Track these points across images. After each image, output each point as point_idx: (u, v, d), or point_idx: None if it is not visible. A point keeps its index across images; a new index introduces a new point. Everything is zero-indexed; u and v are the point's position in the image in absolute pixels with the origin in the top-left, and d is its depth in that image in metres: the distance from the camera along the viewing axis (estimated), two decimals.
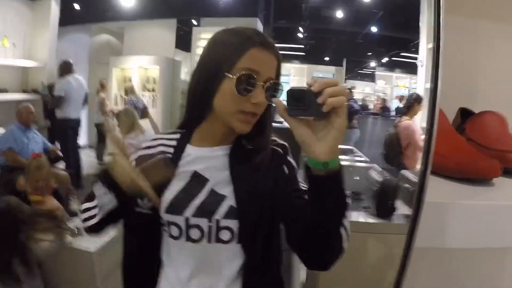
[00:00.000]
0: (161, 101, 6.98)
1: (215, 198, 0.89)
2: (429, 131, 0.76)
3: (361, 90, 18.18)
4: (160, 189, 0.90)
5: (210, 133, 0.93)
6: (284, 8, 9.98)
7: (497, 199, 0.78)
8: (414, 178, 1.95)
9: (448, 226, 0.74)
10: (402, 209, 1.92)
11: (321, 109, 0.65)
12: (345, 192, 0.75)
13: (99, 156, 6.43)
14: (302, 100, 0.66)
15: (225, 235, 0.88)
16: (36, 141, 3.86)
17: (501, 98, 1.23)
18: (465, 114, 1.16)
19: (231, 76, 0.82)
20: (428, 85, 3.91)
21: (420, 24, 4.44)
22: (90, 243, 2.37)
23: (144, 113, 5.43)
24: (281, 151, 0.96)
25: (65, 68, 5.03)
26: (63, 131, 4.98)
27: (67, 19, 6.31)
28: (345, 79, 17.27)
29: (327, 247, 0.81)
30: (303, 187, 0.90)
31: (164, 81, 7.01)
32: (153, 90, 7.07)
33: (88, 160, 6.42)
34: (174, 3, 7.34)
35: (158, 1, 7.25)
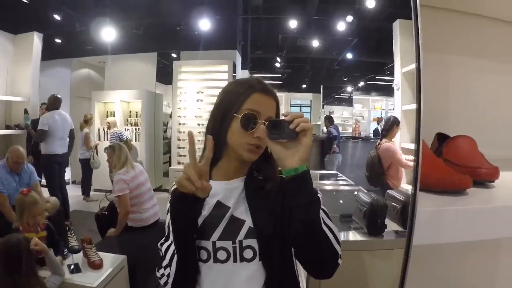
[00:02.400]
0: (144, 135, 7.03)
1: (236, 222, 1.03)
2: (417, 151, 0.94)
3: (340, 115, 18.59)
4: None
5: (226, 168, 1.09)
6: (260, 39, 10.31)
7: (470, 204, 1.01)
8: (400, 196, 2.10)
9: (437, 226, 0.92)
10: (391, 225, 2.05)
11: (292, 132, 0.91)
12: (313, 188, 0.94)
13: (84, 191, 6.39)
14: (278, 127, 0.93)
15: (248, 253, 1.01)
16: (24, 182, 3.67)
17: (471, 123, 1.42)
18: (441, 138, 1.33)
19: (238, 115, 1.02)
20: (406, 107, 4.11)
21: (394, 48, 4.69)
22: (91, 279, 2.37)
23: (128, 145, 5.43)
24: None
25: (54, 103, 5.02)
26: (48, 167, 4.86)
27: (49, 53, 6.36)
28: (323, 104, 17.71)
29: (320, 250, 0.94)
30: None
31: (147, 114, 7.09)
32: (136, 124, 7.13)
33: (73, 195, 6.37)
34: (154, 37, 7.49)
35: (139, 35, 7.36)
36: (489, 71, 1.51)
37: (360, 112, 23.05)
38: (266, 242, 1.02)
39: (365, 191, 2.93)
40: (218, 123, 1.06)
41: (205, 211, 1.05)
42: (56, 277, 2.24)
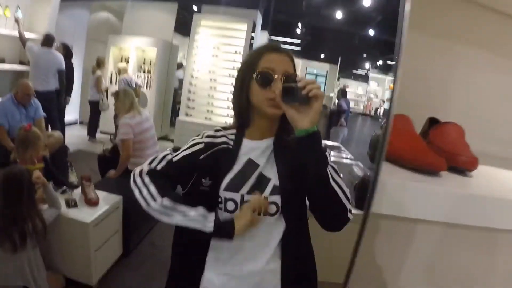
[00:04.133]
0: (156, 83, 7.05)
1: (264, 180, 1.12)
2: (384, 128, 1.00)
3: (354, 90, 18.35)
4: (223, 171, 1.12)
5: (257, 128, 1.17)
6: (284, 3, 10.07)
7: (437, 184, 1.07)
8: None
9: (403, 199, 0.99)
10: None
11: (304, 97, 0.98)
12: (322, 147, 1.02)
13: (90, 133, 6.51)
14: (291, 92, 0.99)
15: (271, 208, 1.11)
16: (29, 115, 3.71)
17: (469, 114, 1.45)
18: (433, 122, 1.37)
19: (254, 75, 1.10)
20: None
21: None
22: (86, 214, 2.43)
23: (136, 92, 5.45)
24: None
25: (45, 40, 4.93)
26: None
27: None
28: (338, 77, 17.47)
29: (329, 204, 1.05)
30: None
31: (160, 63, 7.07)
32: (149, 72, 7.13)
33: (78, 136, 6.51)
34: None
35: None
36: (497, 67, 1.52)
37: (374, 90, 22.83)
38: (289, 198, 1.12)
39: (361, 166, 2.98)
40: (239, 89, 1.15)
41: (238, 166, 1.13)
42: (52, 210, 2.33)
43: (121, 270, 2.79)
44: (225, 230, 1.08)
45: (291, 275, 1.18)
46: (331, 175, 1.03)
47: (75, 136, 6.27)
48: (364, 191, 2.01)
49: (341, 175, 1.10)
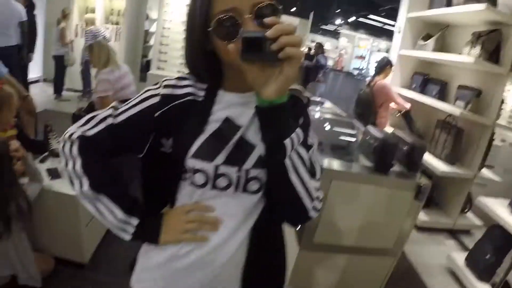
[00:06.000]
0: (125, 35, 6.52)
1: (245, 147, 0.85)
2: None
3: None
4: (190, 133, 0.85)
5: (237, 79, 0.84)
6: None
7: None
8: (407, 138, 2.03)
9: None
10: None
11: (275, 55, 0.67)
12: (284, 129, 0.76)
13: (56, 90, 6.02)
14: (257, 47, 0.67)
15: (253, 186, 0.86)
16: None
17: None
18: None
19: (210, 29, 0.77)
20: (403, 52, 4.08)
21: None
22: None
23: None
24: (303, 102, 0.94)
25: None
26: None
27: None
28: (309, 32, 17.12)
29: (282, 199, 0.85)
30: (310, 142, 0.90)
31: (129, 14, 6.51)
32: (117, 23, 6.59)
33: (43, 94, 6.02)
34: None
35: None
36: None
37: (344, 47, 22.80)
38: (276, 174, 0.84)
39: (358, 124, 2.86)
40: (194, 49, 0.85)
41: (211, 127, 0.85)
42: (34, 184, 2.05)
43: (111, 243, 2.57)
44: (146, 239, 0.91)
45: (256, 270, 0.93)
46: (294, 165, 0.79)
47: (39, 94, 5.79)
48: (385, 153, 1.91)
49: (315, 160, 0.87)
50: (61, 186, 2.15)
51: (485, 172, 3.41)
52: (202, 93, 0.88)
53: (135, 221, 0.87)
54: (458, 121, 3.37)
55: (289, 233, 1.24)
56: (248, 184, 0.85)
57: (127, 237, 0.88)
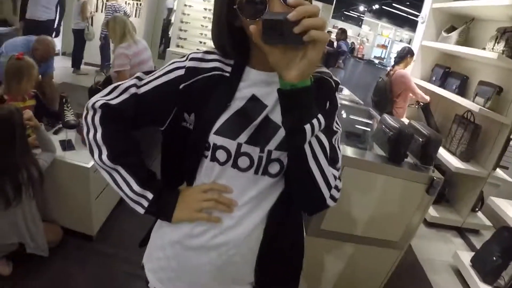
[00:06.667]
0: (145, 11, 6.51)
1: (270, 127, 0.83)
2: None
3: None
4: (214, 109, 0.83)
5: (265, 57, 0.76)
6: None
7: None
8: (424, 129, 1.99)
9: None
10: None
11: (298, 38, 0.64)
12: (306, 114, 0.73)
13: (75, 63, 6.06)
14: (278, 30, 0.64)
15: (274, 167, 0.84)
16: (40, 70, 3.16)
17: None
18: None
19: (236, 7, 0.73)
20: (426, 43, 3.98)
21: None
22: (85, 158, 2.16)
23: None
24: (333, 85, 0.91)
25: None
26: (31, 32, 4.35)
27: None
28: (331, 17, 16.78)
29: (299, 186, 0.82)
30: (336, 127, 0.88)
31: None
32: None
33: (61, 67, 6.06)
34: None
35: None
36: None
37: (366, 34, 22.36)
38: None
39: (374, 112, 2.82)
40: (223, 24, 0.81)
41: (236, 104, 0.83)
42: (47, 154, 2.07)
43: (119, 217, 2.61)
44: (160, 214, 0.90)
45: (272, 255, 0.93)
46: (313, 151, 0.76)
47: (58, 68, 5.76)
48: (400, 143, 1.87)
49: (337, 147, 0.85)
50: (74, 157, 2.18)
51: (499, 172, 3.34)
52: (228, 69, 0.86)
53: (150, 195, 0.87)
54: (476, 117, 3.29)
55: None
56: (269, 165, 0.84)
57: (141, 210, 0.88)
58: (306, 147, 0.76)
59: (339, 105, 0.90)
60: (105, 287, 2.08)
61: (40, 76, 2.91)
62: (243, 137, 0.82)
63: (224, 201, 0.86)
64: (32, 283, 1.99)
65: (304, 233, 1.08)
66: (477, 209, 3.56)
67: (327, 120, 0.78)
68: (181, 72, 0.85)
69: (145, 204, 0.87)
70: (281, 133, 0.82)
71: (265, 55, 0.72)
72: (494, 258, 2.52)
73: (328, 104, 0.86)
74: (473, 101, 3.28)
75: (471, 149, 3.30)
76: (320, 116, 0.75)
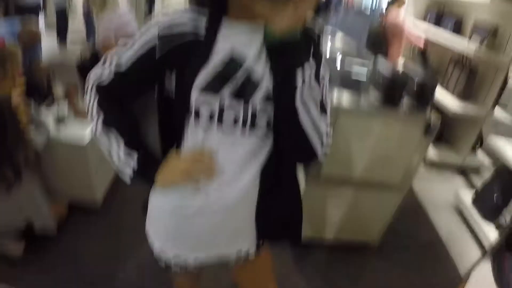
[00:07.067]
0: None
1: (252, 79, 0.81)
2: None
3: None
4: (192, 68, 0.81)
5: (243, 7, 0.78)
6: None
7: None
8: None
9: None
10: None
11: None
12: (298, 57, 0.74)
13: (60, 41, 5.92)
14: None
15: (260, 120, 0.84)
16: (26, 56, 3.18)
17: None
18: None
19: None
20: None
21: None
22: (81, 131, 2.18)
23: None
24: (317, 35, 0.88)
25: None
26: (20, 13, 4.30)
27: None
28: None
29: (290, 141, 0.84)
30: (322, 76, 0.85)
31: None
32: None
33: (47, 46, 5.91)
34: None
35: None
36: None
37: None
38: (284, 109, 0.82)
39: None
40: None
41: (215, 60, 0.81)
42: (41, 135, 2.07)
43: (121, 187, 2.63)
44: (144, 178, 0.91)
45: (270, 210, 0.96)
46: (303, 98, 0.76)
47: (44, 47, 5.62)
48: (395, 87, 1.86)
49: (325, 95, 0.83)
50: (68, 133, 2.18)
51: (498, 111, 3.33)
52: (203, 26, 0.82)
53: (135, 155, 0.88)
54: (472, 58, 3.24)
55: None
56: (255, 119, 0.83)
57: (129, 171, 0.89)
58: (297, 94, 0.75)
59: (324, 54, 0.88)
60: (114, 257, 2.13)
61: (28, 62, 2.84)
62: (225, 92, 0.80)
63: (205, 166, 0.88)
64: (43, 261, 2.04)
65: (304, 183, 1.09)
66: (477, 147, 3.58)
67: (313, 69, 0.78)
68: (153, 43, 0.83)
69: (132, 164, 0.89)
70: (264, 84, 0.81)
71: (247, 4, 0.70)
72: (495, 197, 2.56)
73: (312, 53, 0.83)
74: (469, 41, 3.22)
75: (468, 90, 3.28)
76: (310, 61, 0.75)
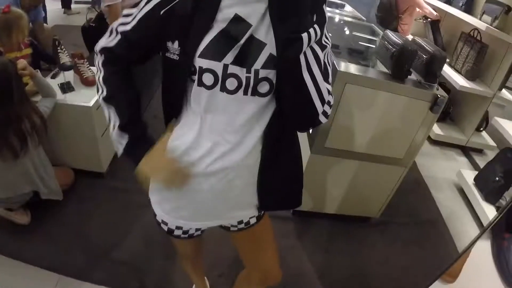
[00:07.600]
0: None
1: (255, 45, 0.81)
2: None
3: None
4: (196, 31, 0.81)
5: None
6: None
7: None
8: (428, 46, 1.94)
9: None
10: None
11: None
12: (301, 23, 0.74)
13: (65, 4, 5.83)
14: None
15: (263, 87, 0.83)
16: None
17: None
18: None
19: None
20: None
21: None
22: (86, 97, 2.16)
23: None
24: (321, 1, 0.85)
25: None
26: None
27: None
28: None
29: (292, 98, 0.84)
30: (325, 42, 0.84)
31: None
32: None
33: (51, 9, 5.83)
34: None
35: None
36: None
37: None
38: (287, 74, 0.82)
39: (377, 28, 2.72)
40: None
41: (219, 25, 0.81)
42: (48, 99, 2.05)
43: None
44: (131, 160, 0.92)
45: (272, 175, 0.97)
46: (307, 62, 0.77)
47: (48, 10, 5.48)
48: (404, 60, 1.81)
49: (327, 62, 0.83)
50: (74, 99, 2.17)
51: (505, 92, 3.29)
52: None
53: (126, 137, 0.93)
54: (483, 36, 3.18)
55: (301, 136, 1.24)
56: (257, 85, 0.83)
57: (120, 148, 0.94)
58: (301, 58, 0.76)
59: (326, 17, 0.86)
60: (121, 221, 2.16)
61: (31, 24, 2.80)
62: (228, 58, 0.80)
63: (181, 172, 0.92)
64: (51, 228, 2.07)
65: (309, 151, 1.10)
66: (481, 128, 3.56)
67: (318, 33, 0.77)
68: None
69: (121, 149, 0.94)
70: (267, 51, 0.80)
71: None
72: (497, 178, 2.56)
73: (315, 17, 0.82)
74: (480, 19, 3.15)
75: (477, 68, 3.23)
76: (316, 26, 0.75)
